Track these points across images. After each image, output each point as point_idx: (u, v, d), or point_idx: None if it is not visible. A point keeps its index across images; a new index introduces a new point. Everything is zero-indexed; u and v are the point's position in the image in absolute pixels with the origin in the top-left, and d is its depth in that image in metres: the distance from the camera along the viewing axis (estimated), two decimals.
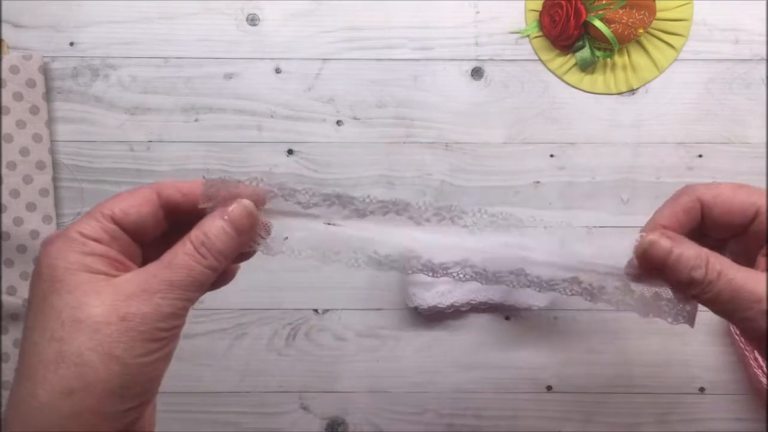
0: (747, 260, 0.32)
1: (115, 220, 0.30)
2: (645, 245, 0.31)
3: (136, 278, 0.28)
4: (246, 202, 0.32)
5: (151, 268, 0.29)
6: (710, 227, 0.32)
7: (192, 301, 0.29)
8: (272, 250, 0.34)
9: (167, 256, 0.29)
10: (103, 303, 0.27)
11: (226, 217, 0.30)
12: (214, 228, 0.30)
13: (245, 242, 0.32)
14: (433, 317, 0.60)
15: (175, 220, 0.32)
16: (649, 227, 0.33)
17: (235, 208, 0.31)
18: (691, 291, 0.31)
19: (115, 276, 0.29)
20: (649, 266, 0.31)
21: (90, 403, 0.27)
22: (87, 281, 0.28)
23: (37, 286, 0.28)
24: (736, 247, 0.33)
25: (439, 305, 0.56)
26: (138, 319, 0.27)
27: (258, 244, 0.33)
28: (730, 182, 0.32)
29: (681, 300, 0.32)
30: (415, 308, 0.58)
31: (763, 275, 0.30)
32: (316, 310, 0.60)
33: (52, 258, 0.28)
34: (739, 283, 0.29)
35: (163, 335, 0.28)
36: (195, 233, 0.30)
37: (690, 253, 0.30)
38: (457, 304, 0.57)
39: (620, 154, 0.59)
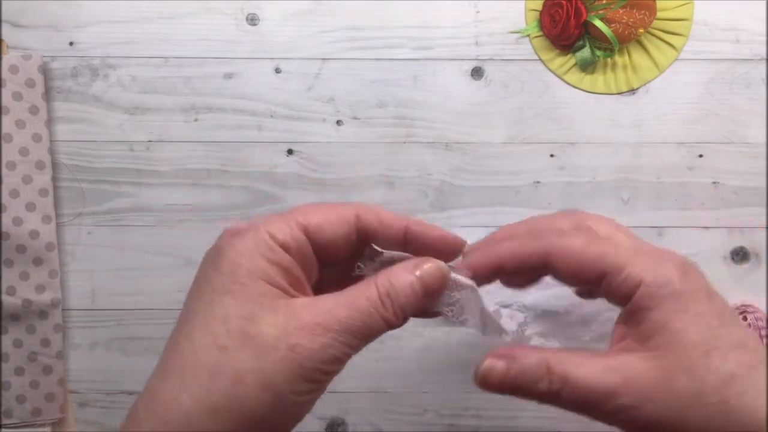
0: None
1: (307, 232, 0.28)
2: (480, 376, 0.28)
3: (313, 308, 0.26)
4: (441, 263, 0.28)
5: (329, 301, 0.26)
6: (560, 278, 0.29)
7: (357, 349, 0.27)
8: (450, 320, 0.31)
9: (348, 296, 0.27)
10: (276, 324, 0.25)
11: (418, 273, 0.28)
12: (402, 281, 0.27)
13: (429, 304, 0.29)
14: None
15: (362, 247, 0.29)
16: (481, 257, 0.30)
17: (429, 266, 0.28)
18: (550, 404, 0.28)
19: (292, 296, 0.27)
20: (493, 391, 0.28)
21: (232, 426, 0.25)
22: (266, 294, 0.26)
23: (211, 276, 0.26)
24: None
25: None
26: (305, 354, 0.25)
27: (446, 313, 0.30)
28: (588, 233, 0.29)
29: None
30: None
31: (613, 358, 0.26)
32: None
33: (238, 254, 0.26)
34: (584, 383, 0.26)
35: (321, 377, 0.26)
36: (382, 280, 0.27)
37: (529, 362, 0.27)
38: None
39: (620, 154, 0.59)
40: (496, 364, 0.28)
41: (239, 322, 0.25)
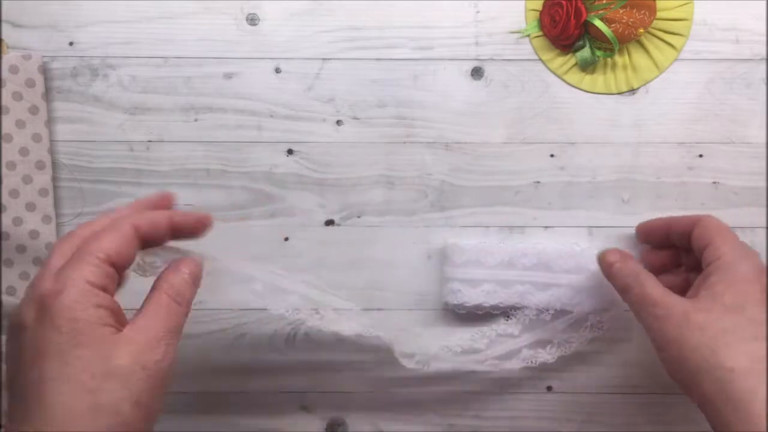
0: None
1: (112, 262, 0.33)
2: (599, 254, 0.47)
3: (141, 330, 0.32)
4: (197, 258, 0.38)
5: (146, 318, 0.33)
6: (692, 241, 0.45)
7: (177, 347, 0.34)
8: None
9: (154, 307, 0.34)
10: (125, 354, 0.30)
11: (187, 271, 0.36)
12: (181, 281, 0.36)
13: (196, 292, 0.38)
14: (463, 317, 0.60)
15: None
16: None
17: (191, 263, 0.37)
18: (622, 294, 0.43)
19: (119, 328, 0.32)
20: (601, 269, 0.46)
21: None
22: (107, 335, 0.30)
23: (54, 337, 0.29)
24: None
25: (484, 304, 0.56)
26: (155, 367, 0.31)
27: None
28: (721, 225, 0.45)
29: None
30: (453, 306, 0.58)
31: (670, 294, 0.41)
32: (316, 310, 0.60)
33: (71, 311, 0.30)
34: (647, 292, 0.41)
35: (169, 380, 0.33)
36: (167, 286, 0.35)
37: (628, 266, 0.43)
38: (501, 305, 0.57)
39: (620, 154, 0.59)
40: (608, 254, 0.46)
41: (98, 365, 0.29)
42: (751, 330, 0.36)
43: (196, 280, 0.37)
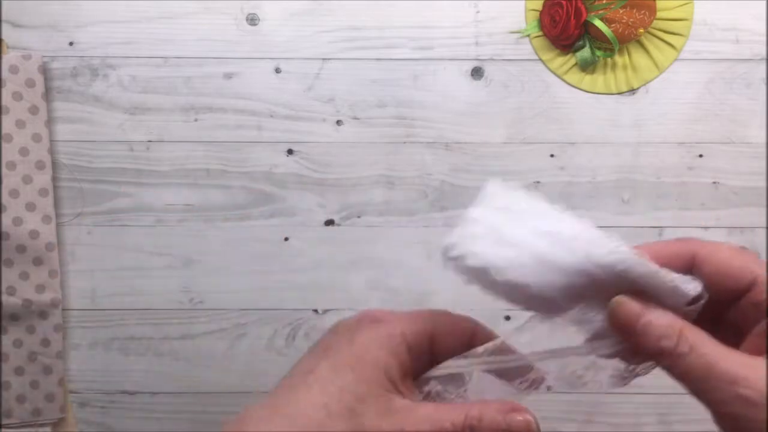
0: (735, 337, 0.28)
1: (432, 339, 0.30)
2: (613, 304, 0.28)
3: (408, 413, 0.28)
4: (533, 420, 0.28)
5: (423, 411, 0.28)
6: (706, 277, 0.29)
7: None
8: None
9: (440, 412, 0.28)
10: (374, 415, 0.28)
11: (508, 420, 0.28)
12: (490, 421, 0.28)
13: None
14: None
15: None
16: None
17: (520, 420, 0.28)
18: (661, 362, 0.28)
19: (399, 390, 0.29)
20: (617, 327, 0.28)
21: None
22: (380, 383, 0.28)
23: (343, 347, 0.29)
24: (726, 322, 0.29)
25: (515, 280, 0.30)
26: None
27: None
28: (731, 244, 0.29)
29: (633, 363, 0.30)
30: (460, 267, 0.33)
31: (744, 356, 0.26)
32: (316, 310, 0.60)
33: (370, 340, 0.29)
34: (712, 360, 0.26)
35: None
36: (474, 412, 0.28)
37: (661, 321, 0.27)
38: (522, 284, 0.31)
39: (620, 154, 0.59)
40: (630, 303, 0.28)
41: (350, 398, 0.28)
42: None
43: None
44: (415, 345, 0.30)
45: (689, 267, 0.29)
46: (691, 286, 0.27)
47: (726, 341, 0.27)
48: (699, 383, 0.26)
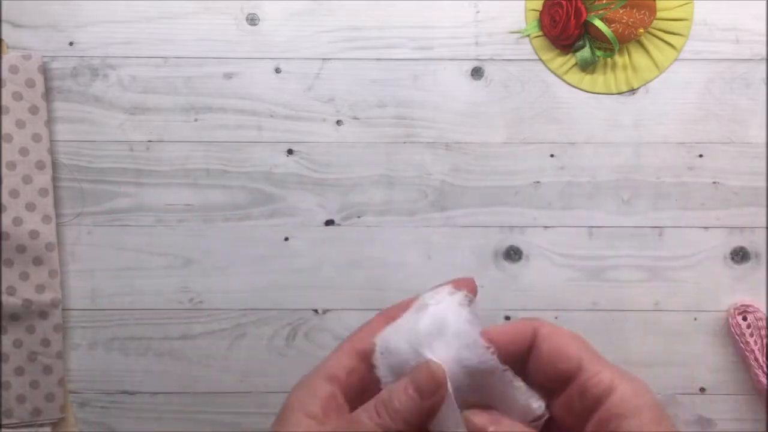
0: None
1: (363, 354, 0.30)
2: (466, 414, 0.29)
3: (324, 421, 0.29)
4: (433, 364, 0.29)
5: (340, 421, 0.29)
6: (535, 365, 0.29)
7: None
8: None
9: (356, 412, 0.29)
10: None
11: (411, 376, 0.29)
12: (396, 386, 0.29)
13: (432, 409, 0.29)
14: None
15: None
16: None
17: (419, 368, 0.29)
18: None
19: (322, 421, 0.29)
20: None
21: None
22: (290, 418, 0.30)
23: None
24: (559, 412, 0.30)
25: None
26: None
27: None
28: (569, 331, 0.29)
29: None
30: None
31: None
32: (316, 311, 0.60)
33: (293, 395, 0.31)
34: None
35: None
36: (383, 392, 0.29)
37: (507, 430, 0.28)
38: None
39: (620, 154, 0.59)
40: (482, 415, 0.29)
41: None
42: None
43: (422, 392, 0.28)
44: (342, 372, 0.30)
45: (530, 345, 0.29)
46: (536, 405, 0.28)
47: None
48: None
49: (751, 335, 0.58)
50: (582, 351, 0.29)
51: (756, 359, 0.57)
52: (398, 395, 0.28)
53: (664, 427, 0.27)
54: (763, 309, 0.59)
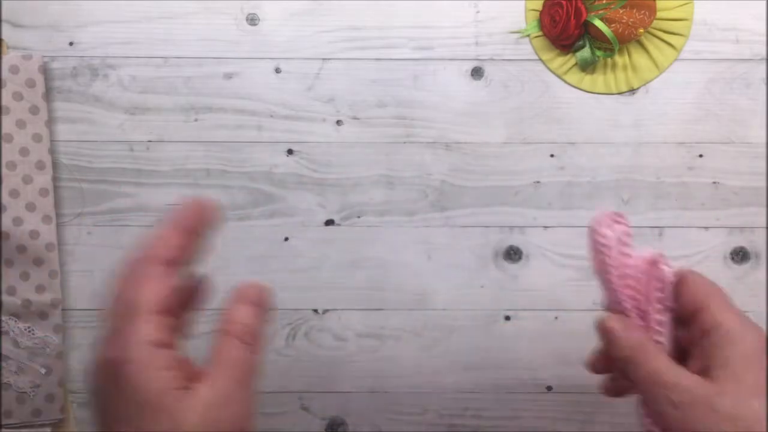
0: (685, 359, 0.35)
1: (163, 312, 0.31)
2: (598, 321, 0.37)
3: (210, 386, 0.30)
4: (262, 284, 0.33)
5: (213, 372, 0.31)
6: (677, 303, 0.36)
7: (254, 389, 0.31)
8: None
9: (222, 357, 0.31)
10: (196, 416, 0.29)
11: (250, 301, 0.32)
12: (248, 317, 0.32)
13: (264, 318, 0.33)
14: None
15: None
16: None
17: (259, 292, 0.33)
18: (625, 368, 0.35)
19: (188, 387, 0.30)
20: (601, 335, 0.37)
21: None
22: (176, 399, 0.29)
23: (124, 405, 0.29)
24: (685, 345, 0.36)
25: None
26: (230, 421, 0.29)
27: None
28: (711, 283, 0.36)
29: None
30: None
31: (680, 369, 0.34)
32: (316, 310, 0.60)
33: (138, 381, 0.29)
34: (655, 368, 0.34)
35: (250, 424, 0.30)
36: (232, 327, 0.32)
37: (631, 335, 0.35)
38: None
39: (620, 154, 0.59)
40: (610, 320, 0.36)
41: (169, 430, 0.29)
42: None
43: (262, 309, 0.33)
44: (166, 332, 0.31)
45: (675, 286, 0.36)
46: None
47: (679, 361, 0.34)
48: (645, 386, 0.34)
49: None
50: (711, 295, 0.35)
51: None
52: (254, 322, 0.32)
53: (755, 362, 0.32)
54: (764, 309, 0.59)
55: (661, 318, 0.36)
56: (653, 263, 0.35)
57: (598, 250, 0.36)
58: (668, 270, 0.35)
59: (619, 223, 0.36)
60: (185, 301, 0.34)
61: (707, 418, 0.31)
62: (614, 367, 0.38)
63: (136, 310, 0.30)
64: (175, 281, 0.32)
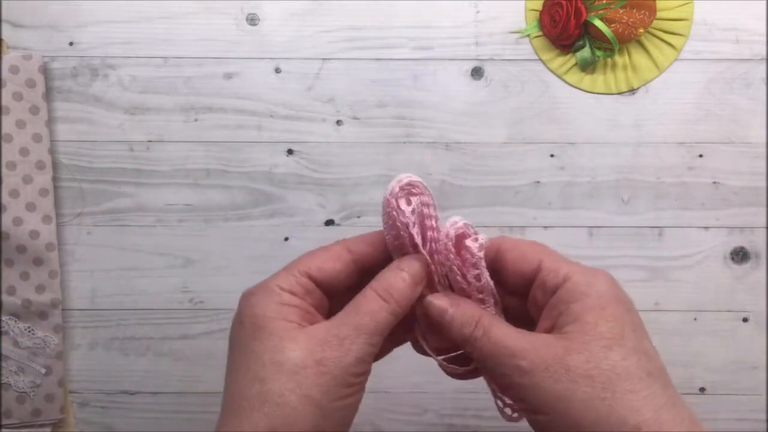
0: (530, 327, 0.32)
1: (310, 276, 0.33)
2: (424, 305, 0.33)
3: (327, 326, 0.30)
4: (420, 256, 0.33)
5: (339, 316, 0.31)
6: (503, 274, 0.33)
7: (375, 347, 0.31)
8: None
9: (352, 304, 0.31)
10: (300, 348, 0.29)
11: (405, 268, 0.32)
12: (393, 277, 0.32)
13: (418, 293, 0.33)
14: None
15: (364, 272, 0.34)
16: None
17: (412, 261, 0.32)
18: (464, 347, 0.32)
19: (303, 326, 0.31)
20: (430, 320, 0.33)
21: None
22: (284, 328, 0.30)
23: (238, 332, 0.31)
24: (530, 310, 0.33)
25: None
26: (332, 363, 0.29)
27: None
28: (531, 240, 0.34)
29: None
30: None
31: (525, 334, 0.30)
32: None
33: (253, 308, 0.31)
34: (499, 339, 0.30)
35: (353, 380, 0.30)
36: (376, 283, 0.32)
37: (465, 312, 0.32)
38: None
39: (620, 154, 0.59)
40: (437, 301, 0.33)
41: (270, 356, 0.29)
42: (642, 365, 0.29)
43: (415, 279, 0.32)
44: (297, 287, 0.32)
45: (495, 258, 0.33)
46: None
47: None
48: (489, 360, 0.31)
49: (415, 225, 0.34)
50: (541, 253, 0.32)
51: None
52: (396, 282, 0.32)
53: (607, 311, 0.29)
54: (763, 309, 0.59)
55: (482, 296, 0.33)
56: (459, 240, 0.32)
57: (397, 227, 0.32)
58: (476, 245, 0.32)
59: (414, 194, 0.32)
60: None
61: (561, 379, 0.28)
62: (452, 349, 0.35)
63: (289, 267, 0.33)
64: (341, 265, 0.33)
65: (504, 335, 0.30)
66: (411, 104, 0.58)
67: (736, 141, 0.59)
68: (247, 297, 0.32)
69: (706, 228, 0.59)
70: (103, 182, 0.59)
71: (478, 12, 0.58)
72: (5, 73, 0.56)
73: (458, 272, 0.33)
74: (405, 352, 0.60)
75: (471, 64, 0.58)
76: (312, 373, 0.29)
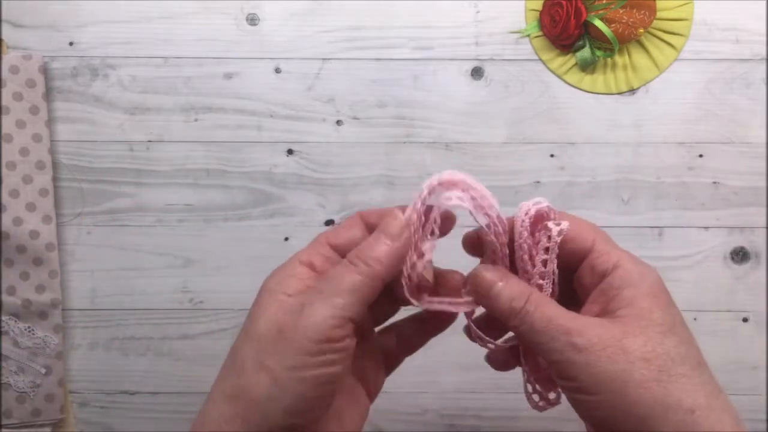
0: (576, 307, 0.32)
1: (331, 244, 0.33)
2: (471, 277, 0.33)
3: (300, 294, 0.30)
4: (398, 213, 0.32)
5: (320, 282, 0.31)
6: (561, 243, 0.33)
7: (344, 311, 0.29)
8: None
9: (332, 269, 0.31)
10: (265, 316, 0.30)
11: (381, 229, 0.32)
12: (365, 240, 0.32)
13: (402, 250, 0.32)
14: None
15: None
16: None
17: (387, 219, 0.32)
18: (510, 322, 0.31)
19: (295, 296, 0.31)
20: (477, 297, 0.33)
21: (241, 410, 0.29)
22: (268, 300, 0.30)
23: (257, 300, 0.32)
24: (577, 287, 0.34)
25: None
26: (291, 331, 0.29)
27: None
28: (589, 222, 0.34)
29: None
30: None
31: (577, 315, 0.31)
32: None
33: (266, 281, 0.32)
34: (552, 316, 0.30)
35: (314, 348, 0.28)
36: (351, 253, 0.31)
37: (514, 287, 0.32)
38: None
39: (620, 154, 0.59)
40: (486, 273, 0.33)
41: (246, 326, 0.30)
42: (692, 354, 0.29)
43: (391, 235, 0.31)
44: (318, 256, 0.32)
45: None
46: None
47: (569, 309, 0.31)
48: (540, 335, 0.30)
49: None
50: (595, 234, 0.33)
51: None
52: (367, 243, 0.31)
53: (660, 300, 0.30)
54: (763, 308, 0.59)
55: (542, 282, 0.33)
56: (537, 221, 0.34)
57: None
58: (557, 229, 0.33)
59: (463, 190, 0.35)
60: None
61: (618, 360, 0.28)
62: (495, 327, 0.35)
63: (317, 237, 0.33)
64: (356, 229, 0.33)
65: (558, 313, 0.30)
66: (411, 104, 0.58)
67: (736, 141, 0.59)
68: (274, 273, 0.33)
69: (706, 228, 0.59)
70: (103, 182, 0.59)
71: (478, 12, 0.58)
72: (5, 73, 0.56)
73: (527, 252, 0.33)
74: None
75: (471, 64, 0.58)
76: (271, 340, 0.29)
